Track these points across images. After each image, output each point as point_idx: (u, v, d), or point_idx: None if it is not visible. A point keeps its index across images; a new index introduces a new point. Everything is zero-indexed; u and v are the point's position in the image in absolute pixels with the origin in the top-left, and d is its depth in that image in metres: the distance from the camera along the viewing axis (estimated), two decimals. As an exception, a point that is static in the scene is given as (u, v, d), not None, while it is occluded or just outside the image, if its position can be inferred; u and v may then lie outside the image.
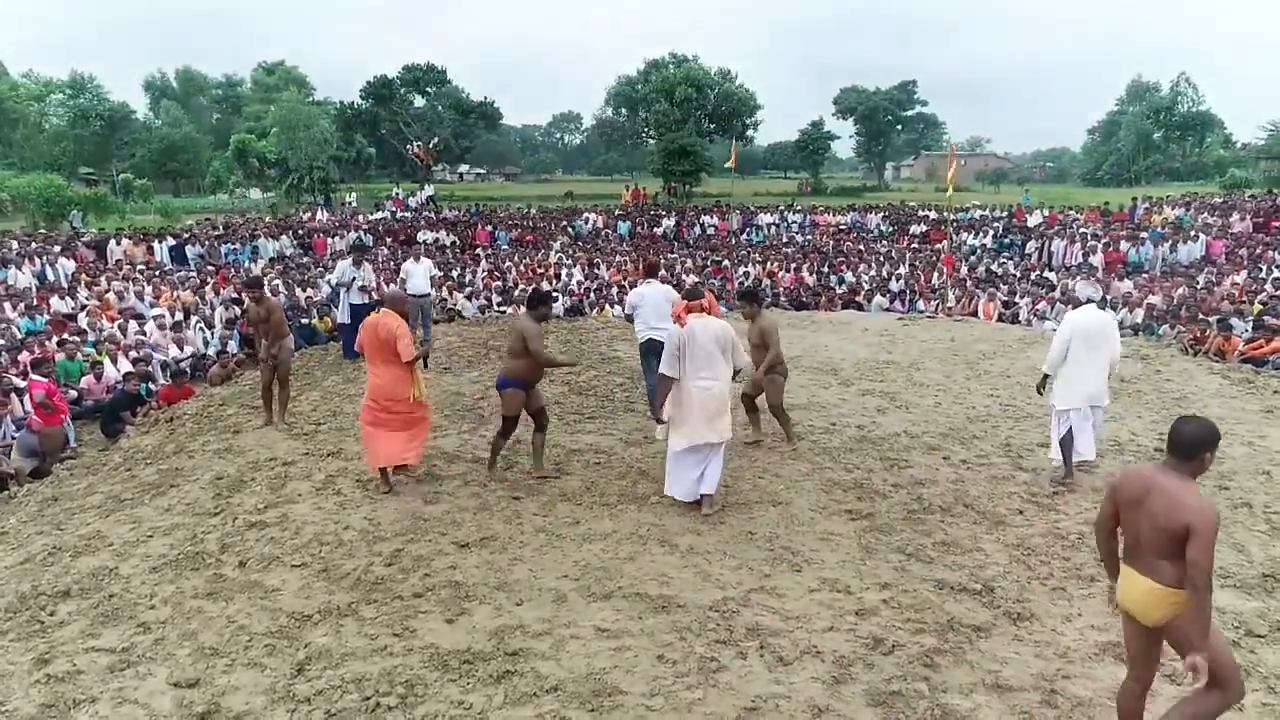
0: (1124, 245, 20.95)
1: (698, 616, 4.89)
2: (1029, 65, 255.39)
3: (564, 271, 20.40)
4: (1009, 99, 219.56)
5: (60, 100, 56.72)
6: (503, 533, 6.05)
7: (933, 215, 28.80)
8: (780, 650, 4.55)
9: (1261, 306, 14.51)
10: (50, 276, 16.95)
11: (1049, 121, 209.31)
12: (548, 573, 5.45)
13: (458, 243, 26.13)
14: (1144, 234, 21.67)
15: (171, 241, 20.62)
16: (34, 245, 18.41)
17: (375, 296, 11.82)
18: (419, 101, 51.50)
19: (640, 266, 21.10)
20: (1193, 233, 21.27)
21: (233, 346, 13.60)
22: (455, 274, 20.00)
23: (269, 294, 8.88)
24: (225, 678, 4.37)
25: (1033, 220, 27.31)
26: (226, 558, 5.76)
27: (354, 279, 11.82)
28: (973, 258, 22.82)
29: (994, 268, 20.95)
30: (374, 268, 18.94)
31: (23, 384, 10.28)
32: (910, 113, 74.44)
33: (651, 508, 6.48)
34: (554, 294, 18.21)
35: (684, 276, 20.50)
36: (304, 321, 14.95)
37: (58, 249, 18.65)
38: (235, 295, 16.20)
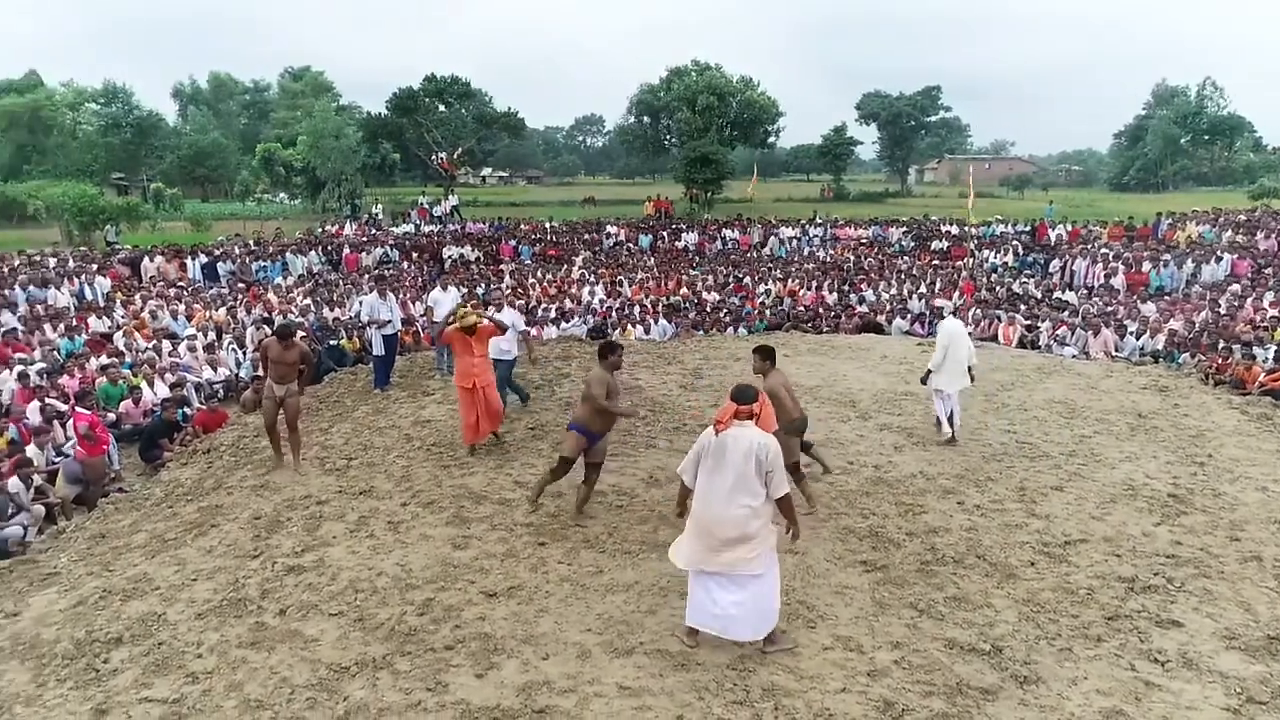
0: (1146, 266, 20.89)
1: (715, 675, 5.11)
2: (1055, 65, 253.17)
3: (586, 290, 20.59)
4: (1034, 99, 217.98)
5: (94, 109, 57.96)
6: (529, 581, 6.31)
7: (954, 231, 28.80)
8: (794, 712, 4.77)
9: (1283, 332, 14.48)
10: (88, 295, 17.45)
11: (1075, 122, 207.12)
12: (572, 625, 5.69)
13: (482, 258, 26.54)
14: (1167, 255, 21.54)
15: (204, 258, 21.16)
16: (72, 265, 18.93)
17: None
18: (441, 107, 52.04)
19: (660, 285, 21.55)
20: (1217, 252, 21.16)
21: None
22: (480, 291, 20.27)
23: (297, 340, 9.10)
24: (271, 733, 4.65)
25: (1055, 234, 27.23)
26: (267, 604, 6.06)
27: (389, 320, 12.17)
28: (994, 276, 22.82)
29: (1015, 287, 20.95)
30: (401, 288, 19.46)
31: (64, 407, 10.72)
32: (934, 118, 73.89)
33: (672, 556, 6.70)
34: (575, 313, 18.54)
35: (705, 294, 20.69)
36: (332, 343, 15.28)
37: (94, 267, 19.19)
38: (266, 315, 16.64)
